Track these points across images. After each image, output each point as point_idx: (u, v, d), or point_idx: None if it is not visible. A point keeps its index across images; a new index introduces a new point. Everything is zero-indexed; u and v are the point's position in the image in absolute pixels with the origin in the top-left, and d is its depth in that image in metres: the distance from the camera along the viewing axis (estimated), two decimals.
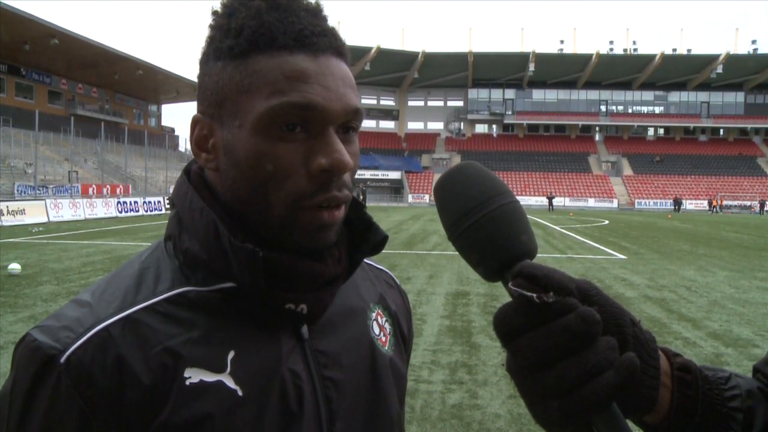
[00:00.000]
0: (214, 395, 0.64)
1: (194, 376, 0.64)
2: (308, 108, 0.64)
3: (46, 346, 0.62)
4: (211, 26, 0.69)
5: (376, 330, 0.82)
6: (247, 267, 0.65)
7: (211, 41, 0.68)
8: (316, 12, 0.68)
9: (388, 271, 0.95)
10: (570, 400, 0.47)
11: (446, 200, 0.57)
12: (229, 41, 0.66)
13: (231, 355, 0.67)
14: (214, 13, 0.69)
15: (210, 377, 0.65)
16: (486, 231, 0.53)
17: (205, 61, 0.69)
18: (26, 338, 0.64)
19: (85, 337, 0.62)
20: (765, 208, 47.00)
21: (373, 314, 0.83)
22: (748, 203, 52.59)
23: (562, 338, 0.47)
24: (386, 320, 0.85)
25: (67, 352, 0.61)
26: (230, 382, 0.66)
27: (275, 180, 0.65)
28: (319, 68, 0.65)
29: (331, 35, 0.68)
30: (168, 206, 31.90)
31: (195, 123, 0.71)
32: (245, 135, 0.65)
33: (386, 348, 0.82)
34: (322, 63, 0.66)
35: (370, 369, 0.77)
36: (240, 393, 0.66)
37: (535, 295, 0.48)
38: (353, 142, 0.70)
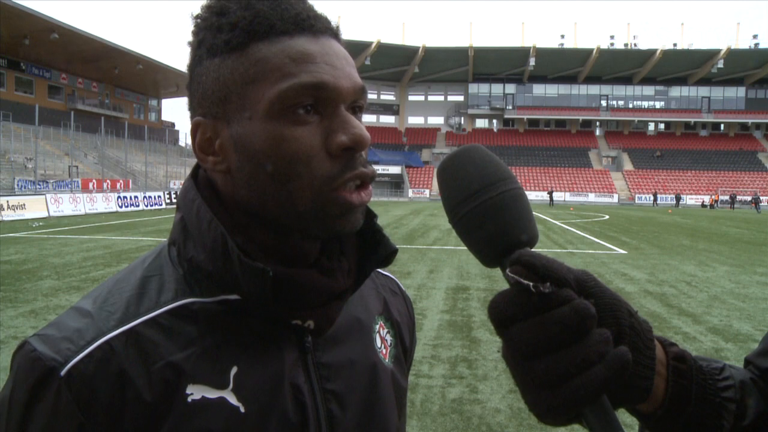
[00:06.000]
0: (216, 412, 0.63)
1: (196, 392, 0.63)
2: (320, 87, 0.63)
3: (46, 358, 0.60)
4: (196, 28, 0.67)
5: (378, 342, 0.81)
6: (256, 285, 0.63)
7: (201, 43, 0.66)
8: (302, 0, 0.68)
9: (393, 277, 0.94)
10: (559, 392, 0.47)
11: (448, 183, 0.56)
12: (224, 35, 0.64)
13: (234, 371, 0.65)
14: (197, 17, 0.67)
15: (212, 394, 0.64)
16: (487, 216, 0.52)
17: (197, 63, 0.67)
18: (25, 346, 0.62)
19: (86, 351, 0.60)
20: (759, 205, 44.67)
21: (377, 326, 0.82)
22: (748, 198, 51.76)
23: (554, 330, 0.47)
24: (388, 332, 0.84)
25: (68, 365, 0.59)
26: (232, 399, 0.64)
27: (297, 165, 0.63)
28: (322, 49, 0.65)
29: (325, 18, 0.68)
30: (168, 201, 31.07)
31: (196, 127, 0.67)
32: (258, 125, 0.63)
33: (387, 360, 0.81)
34: (324, 44, 0.65)
35: (371, 382, 0.76)
36: (242, 410, 0.64)
37: (531, 284, 0.48)
38: (360, 121, 0.69)
